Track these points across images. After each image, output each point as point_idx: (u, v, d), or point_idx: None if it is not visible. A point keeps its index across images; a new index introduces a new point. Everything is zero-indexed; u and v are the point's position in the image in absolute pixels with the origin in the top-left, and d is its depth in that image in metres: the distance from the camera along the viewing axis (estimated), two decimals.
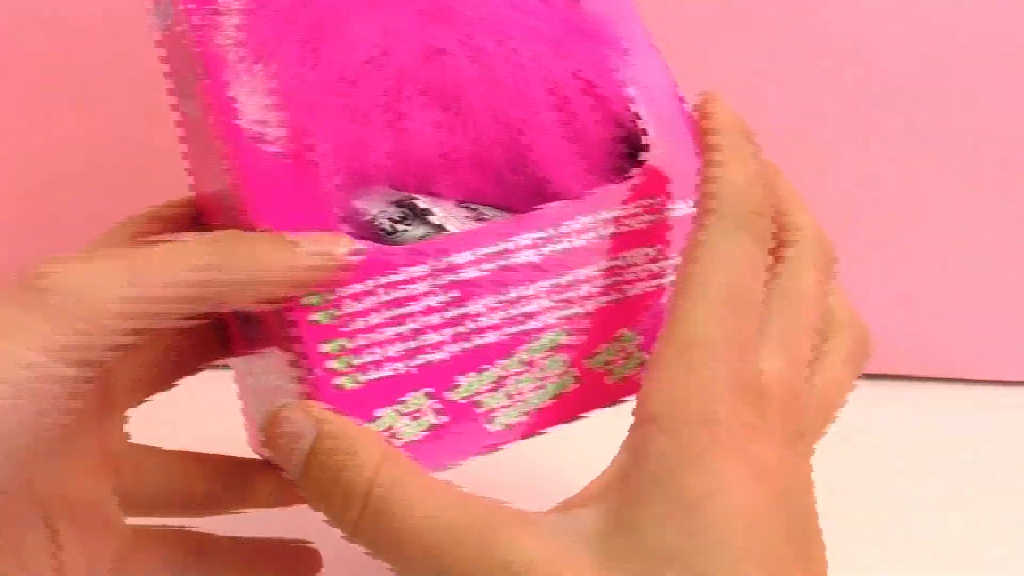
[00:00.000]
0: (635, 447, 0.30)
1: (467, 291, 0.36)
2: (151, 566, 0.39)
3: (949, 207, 0.59)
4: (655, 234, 0.38)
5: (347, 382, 0.34)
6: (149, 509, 0.40)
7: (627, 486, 0.30)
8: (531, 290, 0.37)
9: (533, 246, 0.37)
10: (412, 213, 0.38)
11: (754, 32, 0.57)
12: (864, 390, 0.60)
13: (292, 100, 0.36)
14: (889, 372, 0.61)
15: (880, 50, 0.57)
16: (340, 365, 0.34)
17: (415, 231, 0.37)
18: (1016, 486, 0.55)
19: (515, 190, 0.39)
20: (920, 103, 0.57)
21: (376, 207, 0.38)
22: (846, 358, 0.36)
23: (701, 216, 0.34)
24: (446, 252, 0.36)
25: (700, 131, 0.36)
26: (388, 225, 0.37)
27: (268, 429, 0.33)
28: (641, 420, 0.31)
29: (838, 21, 0.56)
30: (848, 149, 0.58)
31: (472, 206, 0.39)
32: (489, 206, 0.40)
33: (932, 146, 0.58)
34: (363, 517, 0.31)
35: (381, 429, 0.34)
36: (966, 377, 0.61)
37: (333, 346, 0.35)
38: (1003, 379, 0.61)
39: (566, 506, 0.32)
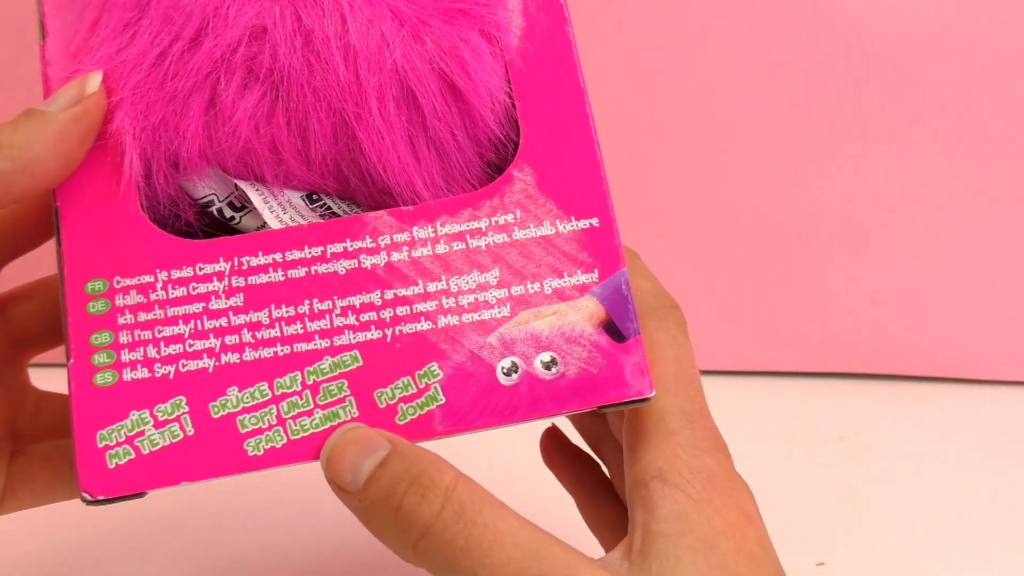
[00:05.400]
0: (647, 501, 0.34)
1: (259, 297, 0.34)
2: (36, 490, 0.40)
3: (949, 206, 0.59)
4: (500, 258, 0.35)
5: (104, 378, 0.34)
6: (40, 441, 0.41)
7: (650, 532, 0.33)
8: (334, 304, 0.34)
9: (349, 255, 0.35)
10: (245, 201, 0.36)
11: (753, 30, 0.57)
12: (864, 390, 0.61)
13: (109, 77, 0.35)
14: (889, 372, 0.61)
15: (880, 48, 0.57)
16: (101, 359, 0.34)
17: (249, 221, 0.36)
18: (1016, 486, 0.55)
19: (361, 190, 0.36)
20: (920, 101, 0.57)
21: (210, 189, 0.36)
22: (679, 334, 0.38)
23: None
24: (248, 251, 0.34)
25: None
26: (227, 211, 0.36)
27: (338, 443, 0.33)
28: (646, 479, 0.34)
29: (837, 17, 0.56)
30: (847, 148, 0.58)
31: (320, 199, 0.37)
32: (343, 198, 0.37)
33: (932, 145, 0.58)
34: (444, 511, 0.32)
35: (130, 433, 0.33)
36: (966, 377, 0.61)
37: (100, 338, 0.34)
38: (1003, 379, 0.61)
39: (603, 560, 0.34)
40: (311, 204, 0.36)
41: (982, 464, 0.56)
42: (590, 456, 0.43)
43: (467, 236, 0.35)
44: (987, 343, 0.61)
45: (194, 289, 0.34)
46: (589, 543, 0.40)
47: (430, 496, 0.32)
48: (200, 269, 0.34)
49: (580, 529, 0.42)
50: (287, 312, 0.34)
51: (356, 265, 0.35)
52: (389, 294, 0.34)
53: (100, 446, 0.33)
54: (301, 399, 0.34)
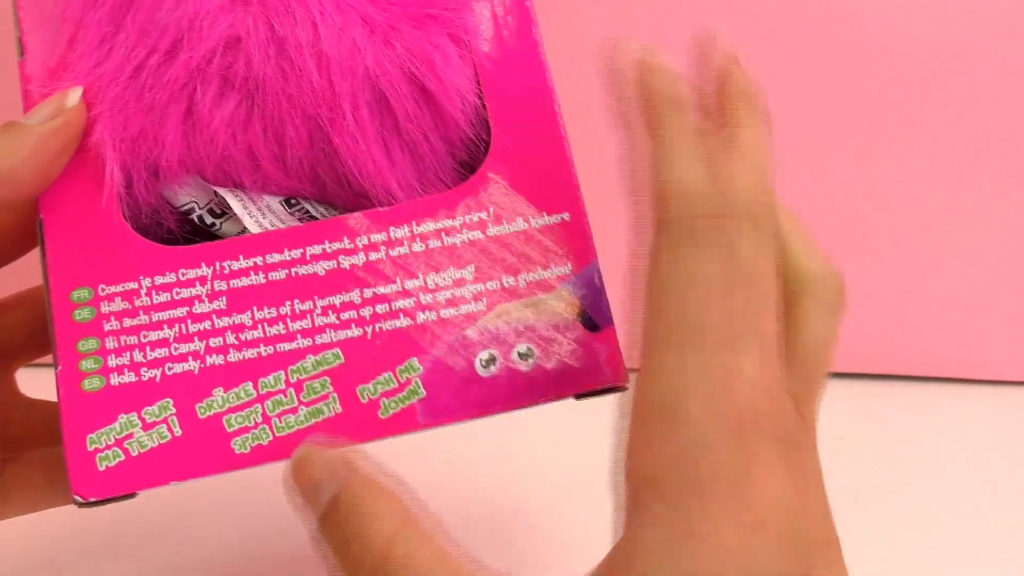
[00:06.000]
0: (635, 510, 0.29)
1: (241, 300, 0.35)
2: (29, 496, 0.40)
3: (949, 206, 0.59)
4: (475, 254, 0.36)
5: (91, 383, 0.34)
6: (31, 449, 0.41)
7: (635, 546, 0.29)
8: (314, 305, 0.35)
9: (327, 256, 0.35)
10: (225, 207, 0.37)
11: (751, 28, 0.57)
12: (864, 390, 0.60)
13: (88, 91, 0.36)
14: (889, 372, 0.61)
15: (880, 48, 0.57)
16: (88, 365, 0.34)
17: (230, 227, 0.37)
18: (1016, 486, 0.55)
19: (338, 193, 0.37)
20: (920, 102, 0.57)
21: (190, 196, 0.37)
22: (826, 312, 0.33)
23: (653, 233, 0.30)
24: (229, 256, 0.35)
25: (637, 109, 0.31)
26: (207, 218, 0.37)
27: (300, 462, 0.32)
28: (638, 484, 0.29)
29: (838, 16, 0.56)
30: (848, 148, 0.58)
31: (298, 202, 0.37)
32: (321, 202, 0.38)
33: (932, 145, 0.58)
34: (382, 569, 0.30)
35: (119, 436, 0.34)
36: (966, 377, 0.61)
37: (87, 344, 0.35)
38: (1003, 379, 0.61)
39: None
40: (289, 208, 0.37)
41: (982, 464, 0.56)
42: None
43: (442, 234, 0.36)
44: (987, 343, 0.61)
45: (178, 294, 0.35)
46: (586, 543, 0.39)
47: (370, 548, 0.30)
48: (183, 274, 0.35)
49: (577, 529, 0.42)
50: (269, 313, 0.35)
51: (335, 266, 0.35)
52: (368, 293, 0.35)
53: (90, 449, 0.34)
54: (285, 397, 0.34)
